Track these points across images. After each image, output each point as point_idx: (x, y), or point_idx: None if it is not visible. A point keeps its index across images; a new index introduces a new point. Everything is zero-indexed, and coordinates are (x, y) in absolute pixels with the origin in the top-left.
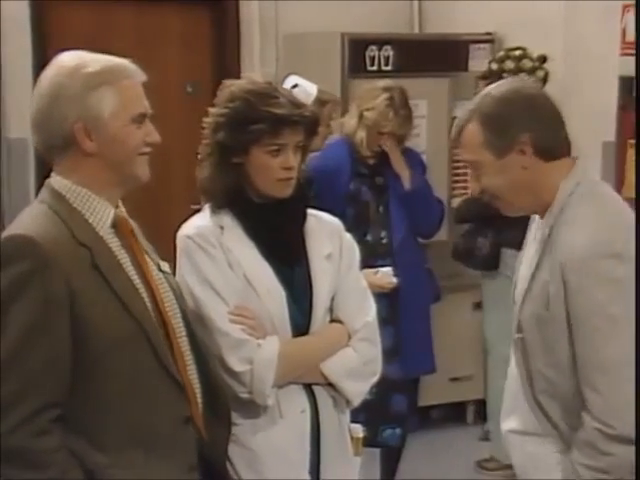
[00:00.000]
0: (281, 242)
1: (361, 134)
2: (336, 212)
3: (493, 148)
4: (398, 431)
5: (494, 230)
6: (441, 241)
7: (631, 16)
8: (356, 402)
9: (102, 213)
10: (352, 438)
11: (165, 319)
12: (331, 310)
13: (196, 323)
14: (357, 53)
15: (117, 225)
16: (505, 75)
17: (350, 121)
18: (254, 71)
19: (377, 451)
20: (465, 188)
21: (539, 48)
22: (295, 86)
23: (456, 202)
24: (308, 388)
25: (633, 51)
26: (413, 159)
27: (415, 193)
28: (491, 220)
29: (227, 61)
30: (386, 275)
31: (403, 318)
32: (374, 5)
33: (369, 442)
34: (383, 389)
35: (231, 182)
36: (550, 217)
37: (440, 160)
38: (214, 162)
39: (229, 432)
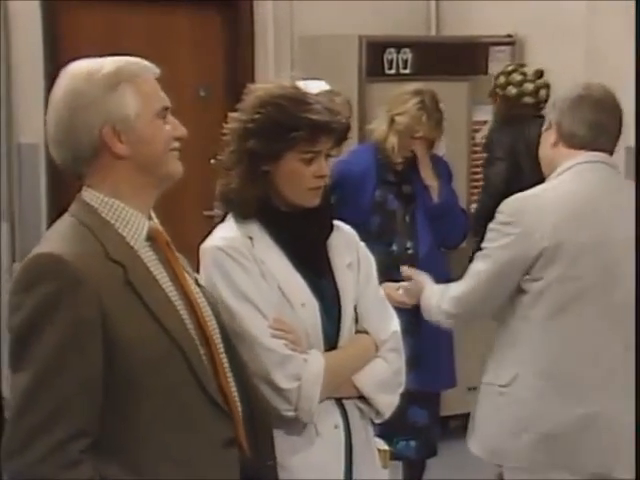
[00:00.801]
0: (311, 252)
1: (393, 140)
2: (359, 220)
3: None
4: (412, 443)
5: None
6: (461, 248)
7: None
8: (387, 414)
9: (136, 226)
10: (379, 451)
11: (207, 335)
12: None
13: (234, 339)
14: (375, 56)
15: (152, 238)
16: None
17: (380, 127)
18: (268, 74)
19: (399, 464)
20: None
21: (560, 49)
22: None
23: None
24: (339, 402)
25: None
26: (441, 167)
27: (443, 206)
28: None
29: (240, 64)
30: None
31: (424, 330)
32: (389, 6)
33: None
34: (400, 401)
35: (260, 191)
36: None
37: (459, 165)
38: (243, 170)
39: (274, 453)
